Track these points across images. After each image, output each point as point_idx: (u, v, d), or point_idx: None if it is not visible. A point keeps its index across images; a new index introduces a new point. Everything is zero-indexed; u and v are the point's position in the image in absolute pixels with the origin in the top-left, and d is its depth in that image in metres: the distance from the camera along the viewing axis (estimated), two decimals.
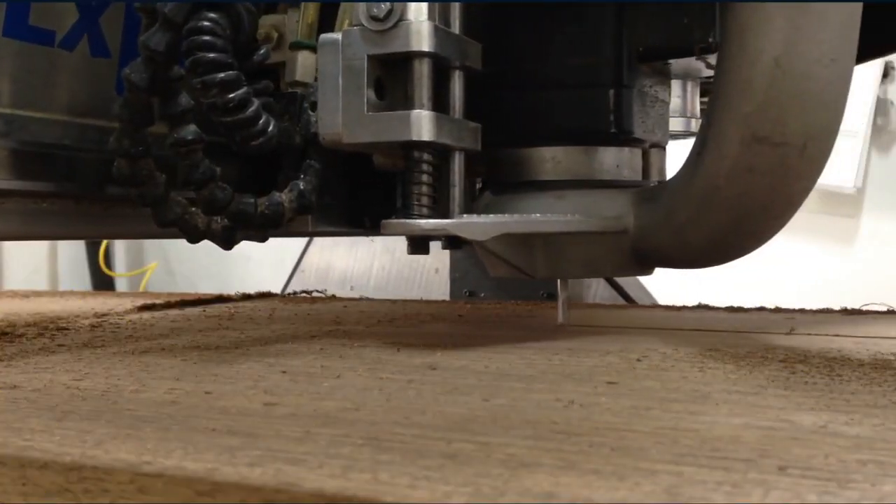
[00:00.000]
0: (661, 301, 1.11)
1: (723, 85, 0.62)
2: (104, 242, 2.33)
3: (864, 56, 0.78)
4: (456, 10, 0.66)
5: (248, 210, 0.65)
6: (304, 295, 1.18)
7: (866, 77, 2.06)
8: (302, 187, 0.68)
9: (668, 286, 1.42)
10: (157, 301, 1.09)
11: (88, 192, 0.71)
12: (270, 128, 0.64)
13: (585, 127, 0.72)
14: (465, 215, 0.67)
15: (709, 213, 0.65)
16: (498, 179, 0.76)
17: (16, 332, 0.79)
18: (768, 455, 0.37)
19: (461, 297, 1.30)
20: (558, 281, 0.77)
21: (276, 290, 1.34)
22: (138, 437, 0.41)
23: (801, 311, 0.93)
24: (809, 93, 0.59)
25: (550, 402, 0.48)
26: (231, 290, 1.22)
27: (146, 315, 0.96)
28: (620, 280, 1.32)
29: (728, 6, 0.61)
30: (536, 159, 0.73)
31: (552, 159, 0.73)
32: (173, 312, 0.99)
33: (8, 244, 2.37)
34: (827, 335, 0.72)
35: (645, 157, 0.79)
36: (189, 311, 1.01)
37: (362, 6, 0.62)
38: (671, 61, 0.76)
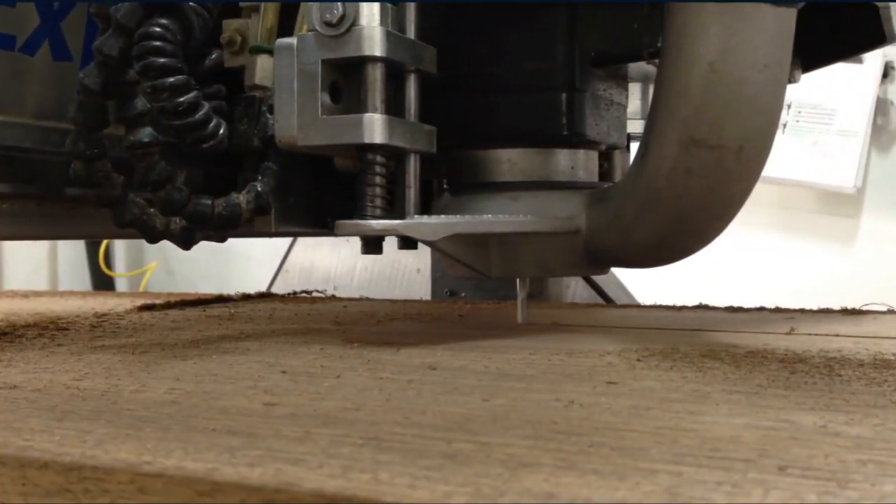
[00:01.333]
0: (659, 301, 1.10)
1: (662, 88, 0.64)
2: (104, 242, 2.33)
3: (817, 62, 0.79)
4: (411, 14, 0.67)
5: (205, 211, 0.66)
6: (304, 295, 1.18)
7: (866, 77, 2.06)
8: (259, 188, 0.69)
9: (667, 286, 1.42)
10: (157, 301, 1.09)
11: (50, 193, 0.72)
12: (221, 130, 0.65)
13: (539, 129, 0.73)
14: (417, 216, 0.67)
15: (652, 213, 0.67)
16: (457, 181, 0.77)
17: (16, 332, 0.79)
18: (768, 455, 0.37)
19: (442, 296, 1.31)
20: (517, 281, 0.78)
21: (273, 290, 1.34)
22: (138, 437, 0.41)
23: (801, 310, 0.93)
24: (744, 97, 0.61)
25: (550, 402, 0.48)
26: (231, 290, 1.22)
27: (146, 315, 0.96)
28: (599, 279, 1.32)
29: (668, 12, 0.62)
30: (492, 161, 0.74)
31: (507, 161, 0.73)
32: (173, 312, 0.99)
33: (9, 244, 2.37)
34: (827, 335, 0.72)
35: (608, 158, 0.80)
36: (189, 311, 1.01)
37: (316, 12, 0.63)
38: (628, 65, 0.76)
